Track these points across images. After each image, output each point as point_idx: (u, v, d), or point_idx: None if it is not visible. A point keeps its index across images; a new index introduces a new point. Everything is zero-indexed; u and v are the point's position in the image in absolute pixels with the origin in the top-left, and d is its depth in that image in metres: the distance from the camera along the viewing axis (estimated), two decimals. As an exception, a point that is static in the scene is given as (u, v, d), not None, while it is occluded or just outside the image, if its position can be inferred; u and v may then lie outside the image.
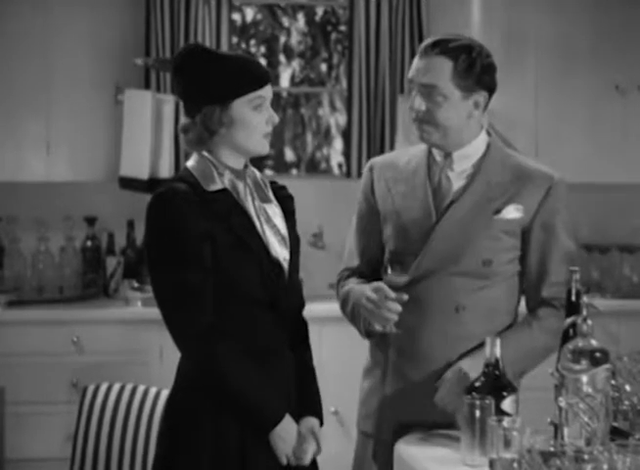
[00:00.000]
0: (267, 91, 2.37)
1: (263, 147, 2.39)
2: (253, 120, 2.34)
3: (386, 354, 2.55)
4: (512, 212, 2.50)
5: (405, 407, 2.51)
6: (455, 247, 2.48)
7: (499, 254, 2.51)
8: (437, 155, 2.56)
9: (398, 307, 2.35)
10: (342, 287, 2.62)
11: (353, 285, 2.58)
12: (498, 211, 2.50)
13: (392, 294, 2.35)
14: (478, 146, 2.54)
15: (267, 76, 2.38)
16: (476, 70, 2.47)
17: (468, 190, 2.52)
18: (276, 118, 2.39)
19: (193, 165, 2.38)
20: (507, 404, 2.24)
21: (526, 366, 2.51)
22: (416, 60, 2.51)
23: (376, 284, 2.40)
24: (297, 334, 2.47)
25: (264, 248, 2.35)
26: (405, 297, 2.34)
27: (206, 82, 2.34)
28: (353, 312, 2.53)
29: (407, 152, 2.68)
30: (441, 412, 2.45)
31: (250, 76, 2.34)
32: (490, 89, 2.51)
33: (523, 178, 2.52)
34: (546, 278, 2.53)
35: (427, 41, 2.51)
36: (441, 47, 2.46)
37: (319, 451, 2.41)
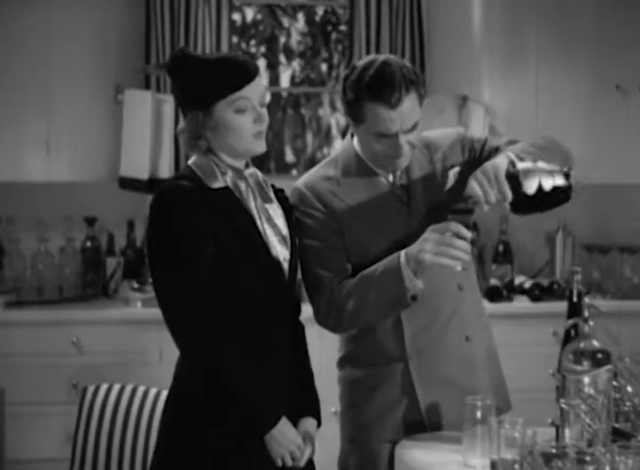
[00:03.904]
0: (250, 90, 2.31)
1: (257, 146, 2.35)
2: (238, 123, 2.30)
3: (403, 354, 2.51)
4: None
5: (438, 404, 2.50)
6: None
7: None
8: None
9: (467, 246, 2.29)
10: (342, 289, 2.46)
11: (365, 271, 2.44)
12: (444, 183, 2.49)
13: (467, 233, 2.29)
14: None
15: (248, 76, 2.30)
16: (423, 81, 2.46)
17: (413, 183, 2.52)
18: (265, 117, 2.34)
19: (195, 163, 2.38)
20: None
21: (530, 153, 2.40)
22: (387, 113, 2.36)
23: (440, 224, 2.32)
24: (295, 335, 2.47)
25: (265, 247, 2.35)
26: (470, 235, 2.29)
27: (187, 88, 2.32)
28: (384, 282, 2.37)
29: (332, 164, 2.57)
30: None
31: (226, 78, 2.29)
32: None
33: (439, 148, 2.55)
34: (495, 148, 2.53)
35: (386, 93, 2.35)
36: (405, 86, 2.36)
37: (313, 453, 2.42)
